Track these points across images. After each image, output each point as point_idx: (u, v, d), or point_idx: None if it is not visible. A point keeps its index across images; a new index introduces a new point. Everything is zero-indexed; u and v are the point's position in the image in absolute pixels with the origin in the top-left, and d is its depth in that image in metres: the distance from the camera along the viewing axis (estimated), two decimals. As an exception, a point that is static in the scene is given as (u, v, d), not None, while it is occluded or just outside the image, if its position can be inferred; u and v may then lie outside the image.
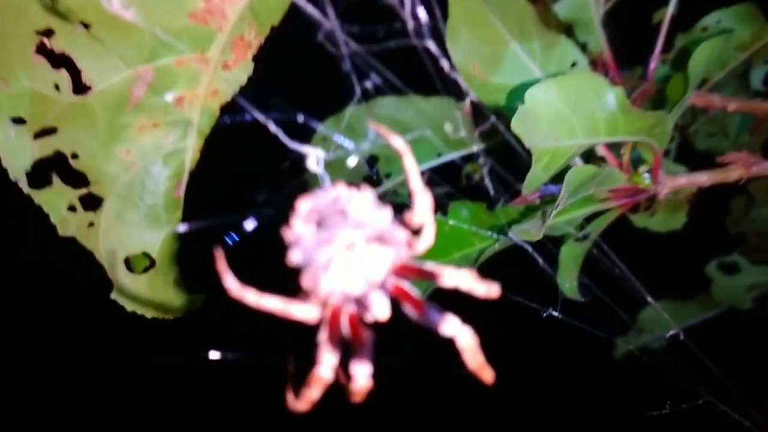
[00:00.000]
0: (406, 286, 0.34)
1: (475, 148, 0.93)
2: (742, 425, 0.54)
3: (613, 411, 1.32)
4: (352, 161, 0.35)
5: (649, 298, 0.65)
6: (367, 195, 0.34)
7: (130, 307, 0.59)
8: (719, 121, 1.12)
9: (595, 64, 0.95)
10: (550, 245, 0.75)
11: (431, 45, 0.40)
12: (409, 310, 0.33)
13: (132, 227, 0.59)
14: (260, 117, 0.37)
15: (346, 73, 0.40)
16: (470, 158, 0.99)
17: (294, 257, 0.33)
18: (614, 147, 0.75)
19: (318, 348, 0.33)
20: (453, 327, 0.32)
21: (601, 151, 0.74)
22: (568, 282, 0.81)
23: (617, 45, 0.93)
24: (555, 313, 0.58)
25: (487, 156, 0.69)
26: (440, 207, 0.79)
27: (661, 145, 0.68)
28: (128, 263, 0.60)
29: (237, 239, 0.39)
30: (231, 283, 0.33)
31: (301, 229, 0.33)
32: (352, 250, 0.33)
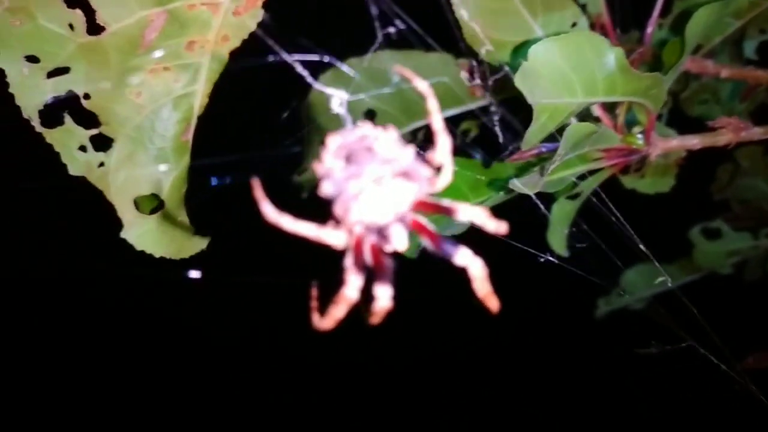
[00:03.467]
0: (424, 221, 0.37)
1: (473, 105, 0.95)
2: (719, 369, 0.58)
3: (603, 351, 1.39)
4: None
5: (642, 247, 0.68)
6: (392, 134, 0.36)
7: (138, 245, 0.61)
8: (711, 87, 1.14)
9: (593, 27, 0.97)
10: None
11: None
12: (426, 242, 0.36)
13: (141, 168, 0.60)
14: (287, 57, 0.39)
15: (368, 19, 0.42)
16: (466, 116, 1.01)
17: (325, 189, 0.36)
18: (610, 108, 0.77)
19: (345, 271, 0.36)
20: (465, 257, 0.36)
21: (596, 111, 0.76)
22: (557, 237, 0.84)
23: (615, 8, 0.94)
24: (552, 259, 0.61)
25: (489, 112, 0.71)
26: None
27: (655, 107, 0.70)
28: (137, 203, 0.61)
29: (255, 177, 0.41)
30: (268, 209, 0.36)
31: (331, 164, 0.36)
32: (380, 184, 0.35)
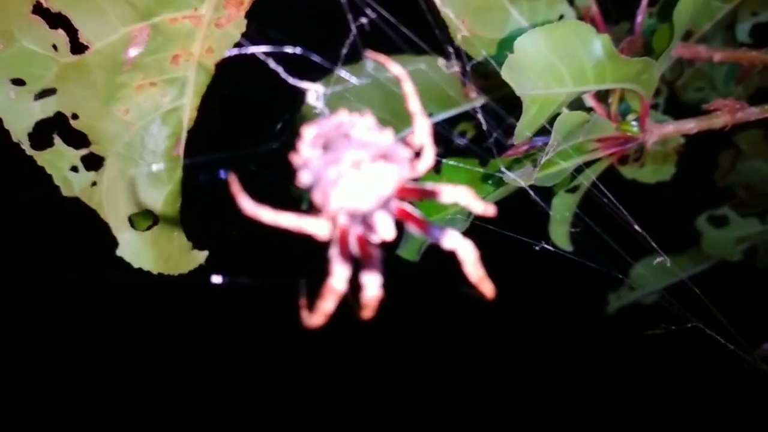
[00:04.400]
0: (409, 207, 0.36)
1: (468, 106, 0.95)
2: (726, 348, 0.57)
3: (611, 334, 1.38)
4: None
5: (637, 227, 0.67)
6: (369, 119, 0.36)
7: (135, 263, 0.61)
8: (706, 74, 1.13)
9: (582, 20, 0.96)
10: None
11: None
12: (413, 229, 0.36)
13: (134, 186, 0.60)
14: (260, 54, 0.39)
15: (341, 9, 0.42)
16: (461, 118, 1.01)
17: (303, 179, 0.35)
18: (602, 97, 0.76)
19: (330, 262, 0.35)
20: (454, 240, 0.35)
21: (589, 102, 0.76)
22: (560, 232, 0.83)
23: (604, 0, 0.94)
24: (547, 246, 0.61)
25: (481, 112, 0.70)
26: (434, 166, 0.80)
27: (647, 92, 0.70)
28: (131, 221, 0.61)
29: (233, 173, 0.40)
30: (246, 203, 0.35)
31: (308, 153, 0.35)
32: (359, 168, 0.35)
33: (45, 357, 1.61)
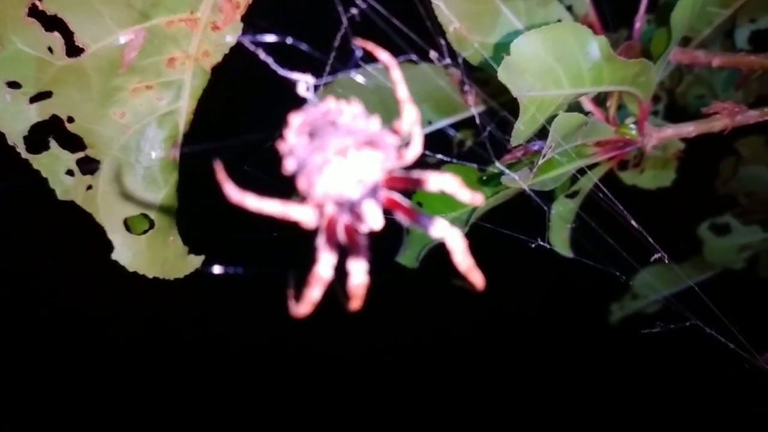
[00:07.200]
0: (397, 196, 0.36)
1: (467, 114, 0.95)
2: (727, 348, 0.56)
3: (609, 333, 1.38)
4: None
5: (634, 223, 0.66)
6: (356, 106, 0.35)
7: (131, 267, 0.60)
8: (706, 81, 1.13)
9: (581, 27, 0.96)
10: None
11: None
12: (401, 218, 0.35)
13: (130, 189, 0.60)
14: (249, 44, 0.39)
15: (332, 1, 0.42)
16: (461, 126, 1.00)
17: (289, 166, 0.35)
18: (601, 101, 0.76)
19: (316, 250, 0.34)
20: (442, 229, 0.34)
21: (587, 106, 0.75)
22: (559, 237, 0.82)
23: (602, 7, 0.94)
24: (543, 243, 0.60)
25: (480, 118, 0.70)
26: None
27: (645, 95, 0.69)
28: (127, 225, 0.61)
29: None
30: (231, 189, 0.35)
31: (294, 141, 0.35)
32: (344, 155, 0.34)
33: (45, 356, 1.61)
